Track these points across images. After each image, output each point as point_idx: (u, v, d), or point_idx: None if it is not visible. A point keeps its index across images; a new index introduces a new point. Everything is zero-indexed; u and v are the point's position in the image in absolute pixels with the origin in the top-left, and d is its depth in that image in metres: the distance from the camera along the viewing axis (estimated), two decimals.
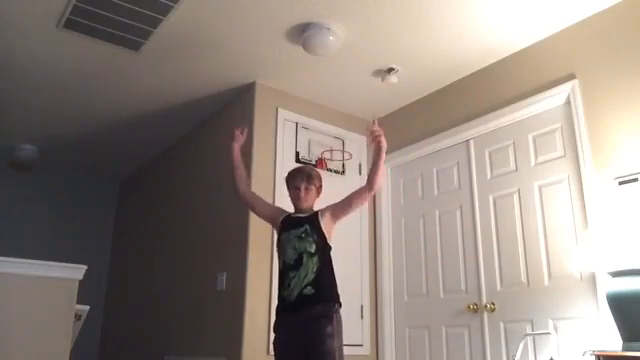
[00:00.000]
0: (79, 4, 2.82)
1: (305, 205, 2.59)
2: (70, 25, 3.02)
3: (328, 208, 2.61)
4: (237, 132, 2.78)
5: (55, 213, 5.43)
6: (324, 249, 2.50)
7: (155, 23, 3.00)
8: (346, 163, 3.98)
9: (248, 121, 3.64)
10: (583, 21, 2.92)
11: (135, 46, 3.24)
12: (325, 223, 2.54)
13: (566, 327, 2.75)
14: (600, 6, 2.82)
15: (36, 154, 4.93)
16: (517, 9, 2.87)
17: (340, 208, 2.60)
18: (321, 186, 2.67)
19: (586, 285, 2.69)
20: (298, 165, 3.30)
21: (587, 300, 2.67)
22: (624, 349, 2.14)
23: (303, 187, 2.58)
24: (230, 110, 3.96)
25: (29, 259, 2.26)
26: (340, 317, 2.44)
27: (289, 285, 2.41)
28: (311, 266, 2.42)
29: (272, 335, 2.50)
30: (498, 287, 3.13)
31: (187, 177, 4.45)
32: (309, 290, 2.39)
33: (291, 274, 2.42)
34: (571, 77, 2.91)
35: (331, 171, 3.85)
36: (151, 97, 3.95)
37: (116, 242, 5.79)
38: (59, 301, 2.28)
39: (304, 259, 2.43)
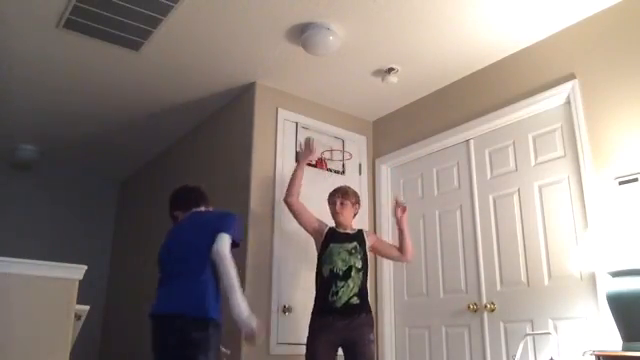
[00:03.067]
0: (79, 4, 2.82)
1: (342, 219, 3.01)
2: (70, 25, 3.02)
3: (373, 236, 3.19)
4: (307, 144, 3.23)
5: (55, 213, 5.43)
6: (366, 266, 2.93)
7: (155, 23, 3.00)
8: (346, 163, 3.98)
9: (248, 121, 3.65)
10: (583, 21, 2.92)
11: (135, 46, 3.24)
12: (369, 245, 3.00)
13: (566, 327, 2.75)
14: (600, 6, 2.82)
15: (36, 154, 4.93)
16: (517, 9, 2.87)
17: (380, 246, 3.13)
18: (358, 203, 3.10)
19: (586, 285, 2.69)
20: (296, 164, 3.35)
21: (587, 300, 2.67)
22: (624, 349, 2.14)
23: (339, 202, 3.01)
24: (230, 110, 3.96)
25: (29, 259, 2.26)
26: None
27: (337, 292, 2.79)
28: (357, 280, 2.87)
29: (306, 331, 2.83)
30: (498, 287, 3.13)
31: (187, 177, 4.44)
32: (355, 300, 2.80)
33: (340, 283, 2.81)
34: (571, 77, 2.91)
35: (331, 171, 3.85)
36: (151, 97, 3.95)
37: (116, 242, 5.78)
38: (59, 301, 2.28)
39: (352, 272, 2.83)
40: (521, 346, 2.68)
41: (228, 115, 3.98)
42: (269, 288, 3.33)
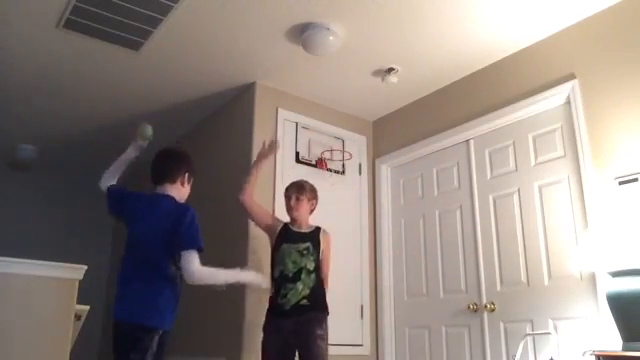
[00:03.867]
0: (79, 4, 2.82)
1: (297, 215, 2.87)
2: (70, 25, 3.02)
3: (327, 240, 2.92)
4: (271, 145, 3.03)
5: (55, 213, 5.43)
6: (320, 267, 2.82)
7: (155, 23, 3.00)
8: (346, 163, 3.98)
9: (248, 121, 3.64)
10: (583, 21, 2.92)
11: (135, 46, 3.24)
12: (323, 244, 2.85)
13: (566, 327, 2.74)
14: (600, 6, 2.82)
15: (36, 154, 4.93)
16: (517, 9, 2.87)
17: (323, 256, 2.89)
18: (315, 199, 2.94)
19: (586, 285, 2.69)
20: (298, 165, 3.33)
21: (587, 300, 2.67)
22: (624, 349, 2.14)
23: (294, 197, 2.88)
24: (230, 110, 3.96)
25: (29, 259, 2.25)
26: (327, 324, 2.75)
27: (286, 295, 2.71)
28: (308, 282, 2.74)
29: (261, 335, 2.76)
30: (498, 287, 3.13)
31: None
32: (305, 302, 2.72)
33: (289, 285, 2.71)
34: (571, 77, 2.91)
35: (331, 171, 3.85)
36: (151, 97, 3.95)
37: (116, 242, 5.78)
38: (59, 301, 2.28)
39: (303, 275, 2.73)
40: (521, 346, 2.68)
41: (228, 115, 3.98)
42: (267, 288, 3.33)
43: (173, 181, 2.37)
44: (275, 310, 2.75)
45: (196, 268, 2.15)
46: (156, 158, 2.45)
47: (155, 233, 2.20)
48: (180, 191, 2.39)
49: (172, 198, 2.33)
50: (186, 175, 2.41)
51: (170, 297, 2.21)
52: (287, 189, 2.96)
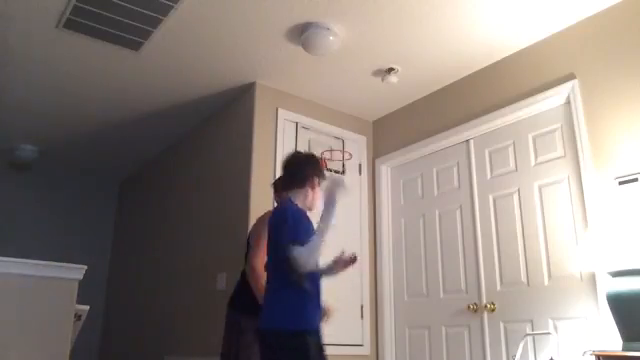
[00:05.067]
0: (79, 4, 2.82)
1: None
2: (70, 25, 3.02)
3: None
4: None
5: (55, 213, 5.43)
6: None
7: (155, 23, 3.00)
8: (346, 163, 3.98)
9: (248, 121, 3.64)
10: (583, 21, 2.92)
11: (135, 46, 3.24)
12: None
13: (566, 327, 2.75)
14: (600, 6, 2.82)
15: (36, 154, 4.93)
16: (517, 9, 2.87)
17: None
18: None
19: (586, 285, 2.69)
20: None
21: (587, 300, 2.67)
22: (624, 349, 2.14)
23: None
24: (230, 110, 3.96)
25: (29, 259, 2.26)
26: None
27: None
28: None
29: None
30: (498, 287, 3.13)
31: (187, 177, 4.45)
32: None
33: None
34: (571, 77, 2.91)
35: (331, 171, 3.85)
36: (151, 97, 3.95)
37: (116, 242, 5.78)
38: (59, 301, 2.28)
39: None
40: (521, 346, 2.68)
41: (228, 115, 3.98)
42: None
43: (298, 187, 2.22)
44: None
45: (296, 260, 1.97)
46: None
47: None
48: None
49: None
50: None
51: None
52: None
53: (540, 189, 3.03)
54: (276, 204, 2.27)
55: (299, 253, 1.94)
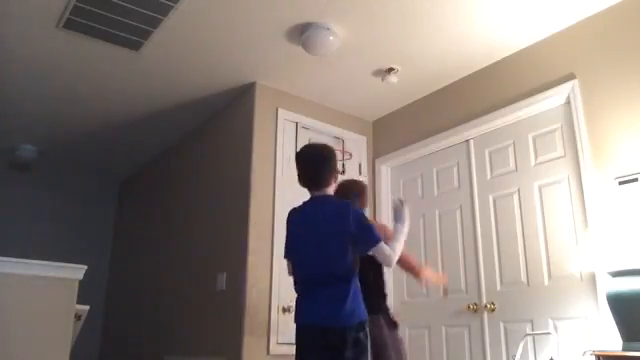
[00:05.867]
0: (79, 4, 2.82)
1: None
2: (70, 25, 3.02)
3: None
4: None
5: (55, 213, 5.43)
6: None
7: (155, 23, 3.00)
8: (346, 163, 3.98)
9: (248, 121, 3.64)
10: (583, 21, 2.92)
11: (135, 46, 3.24)
12: None
13: (566, 327, 2.75)
14: (600, 6, 2.82)
15: (36, 154, 4.93)
16: (517, 9, 2.87)
17: None
18: None
19: (586, 285, 2.69)
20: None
21: (587, 300, 2.67)
22: (624, 349, 2.14)
23: None
24: (230, 110, 3.96)
25: (29, 259, 2.26)
26: None
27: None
28: None
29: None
30: (498, 287, 3.13)
31: (187, 177, 4.45)
32: None
33: None
34: (571, 77, 2.91)
35: None
36: (151, 97, 3.95)
37: (116, 242, 5.78)
38: (59, 301, 2.28)
39: None
40: (521, 346, 2.68)
41: (228, 115, 3.98)
42: (269, 289, 3.33)
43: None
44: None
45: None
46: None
47: None
48: None
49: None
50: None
51: None
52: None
53: (540, 189, 3.03)
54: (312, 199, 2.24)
55: (393, 250, 2.07)
